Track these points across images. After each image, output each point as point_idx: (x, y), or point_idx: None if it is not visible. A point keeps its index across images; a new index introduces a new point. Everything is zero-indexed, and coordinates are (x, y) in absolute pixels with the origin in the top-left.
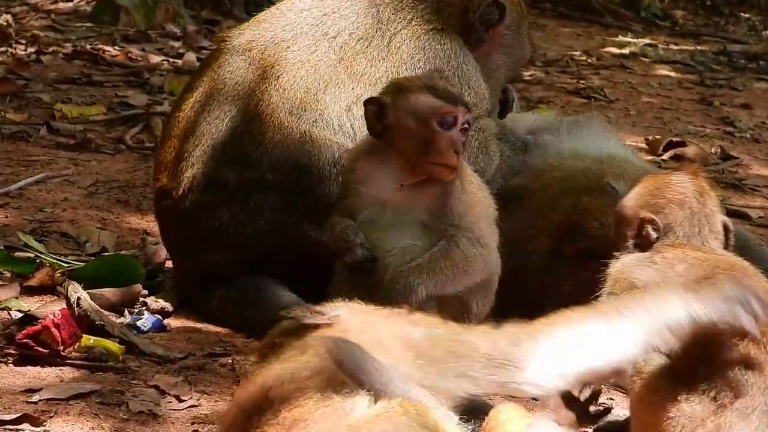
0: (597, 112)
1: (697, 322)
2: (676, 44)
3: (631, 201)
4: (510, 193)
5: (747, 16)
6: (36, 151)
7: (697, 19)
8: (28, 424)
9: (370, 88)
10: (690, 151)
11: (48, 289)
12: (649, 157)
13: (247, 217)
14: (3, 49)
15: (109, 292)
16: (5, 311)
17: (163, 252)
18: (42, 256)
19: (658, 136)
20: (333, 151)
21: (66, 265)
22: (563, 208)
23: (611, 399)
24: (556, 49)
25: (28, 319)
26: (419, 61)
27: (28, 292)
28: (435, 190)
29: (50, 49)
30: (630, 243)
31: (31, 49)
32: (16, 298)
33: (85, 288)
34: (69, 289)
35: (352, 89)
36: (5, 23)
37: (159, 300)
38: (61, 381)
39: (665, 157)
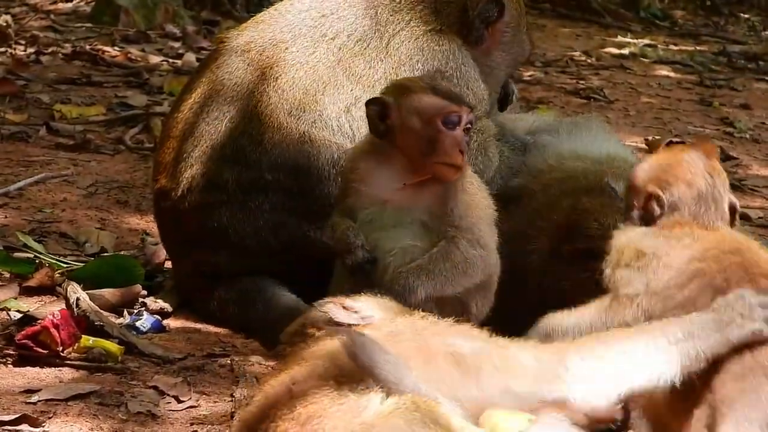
0: (596, 112)
1: (730, 344)
2: (675, 44)
3: (643, 172)
4: (509, 194)
5: (746, 16)
6: (35, 151)
7: (697, 20)
8: (27, 424)
9: (369, 89)
10: None
11: (47, 289)
12: None
13: (246, 217)
14: (2, 49)
15: (108, 293)
16: (4, 312)
17: (162, 252)
18: (41, 256)
19: (657, 137)
20: (332, 151)
21: (65, 265)
22: (563, 209)
23: None
24: (555, 49)
25: (28, 319)
26: (418, 62)
27: (28, 292)
28: (436, 191)
29: (50, 50)
30: (635, 213)
31: (31, 50)
32: (16, 298)
33: (84, 288)
34: (68, 289)
35: (351, 90)
36: (5, 24)
37: (158, 300)
38: (60, 381)
39: None
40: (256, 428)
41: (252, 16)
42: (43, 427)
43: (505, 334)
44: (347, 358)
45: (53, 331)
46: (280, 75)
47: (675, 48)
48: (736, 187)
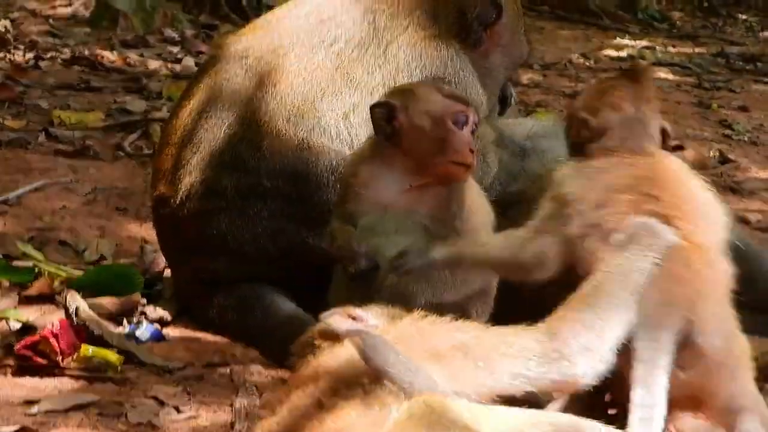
0: None
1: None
2: (673, 46)
3: (576, 102)
4: (508, 200)
5: (744, 17)
6: (34, 158)
7: (695, 21)
8: None
9: (367, 95)
10: (688, 154)
11: (47, 298)
12: None
13: (245, 224)
14: (1, 54)
15: (107, 302)
16: (3, 321)
17: (161, 260)
18: (41, 265)
19: None
20: (330, 158)
21: (64, 274)
22: None
23: None
24: (554, 52)
25: (27, 329)
26: (416, 68)
27: (27, 301)
28: (439, 194)
29: (48, 55)
30: (569, 142)
31: (30, 55)
32: (15, 308)
33: (83, 297)
34: (68, 298)
35: (349, 97)
36: (3, 29)
37: (157, 309)
38: (59, 392)
39: None
40: None
41: (249, 20)
42: None
43: None
44: (361, 360)
45: (53, 340)
46: (278, 81)
47: (673, 50)
48: (735, 190)
